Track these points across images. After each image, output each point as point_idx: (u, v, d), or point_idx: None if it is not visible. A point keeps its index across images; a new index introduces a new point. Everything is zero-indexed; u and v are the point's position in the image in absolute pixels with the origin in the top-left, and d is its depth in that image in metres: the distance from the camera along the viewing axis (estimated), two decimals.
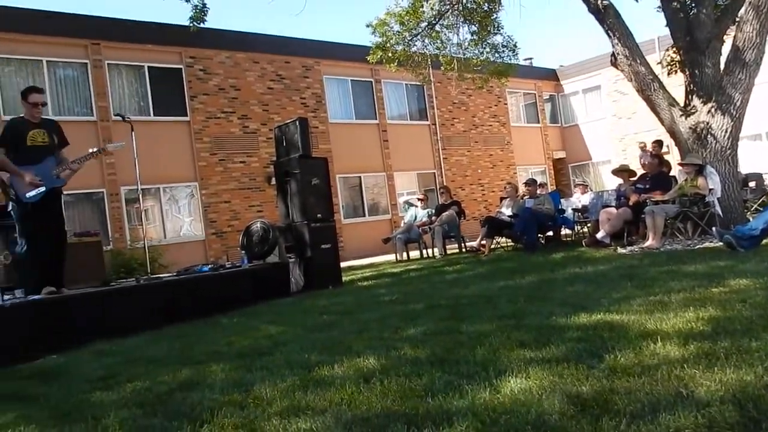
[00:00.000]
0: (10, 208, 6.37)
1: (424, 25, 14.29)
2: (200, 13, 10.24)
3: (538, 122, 25.84)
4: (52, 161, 6.14)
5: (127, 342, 5.13)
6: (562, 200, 12.38)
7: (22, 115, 6.30)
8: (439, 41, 14.81)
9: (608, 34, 9.63)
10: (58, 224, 6.35)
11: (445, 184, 19.85)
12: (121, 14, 22.76)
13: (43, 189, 5.98)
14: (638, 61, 9.45)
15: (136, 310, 5.93)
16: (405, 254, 12.69)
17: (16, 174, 5.94)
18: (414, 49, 14.82)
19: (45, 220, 6.14)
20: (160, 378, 3.44)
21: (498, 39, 14.74)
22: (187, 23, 11.64)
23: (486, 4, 13.74)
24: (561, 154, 26.33)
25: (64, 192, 6.63)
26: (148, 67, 15.91)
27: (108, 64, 15.29)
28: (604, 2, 9.46)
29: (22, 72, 14.26)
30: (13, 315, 5.02)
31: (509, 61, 15.24)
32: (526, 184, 11.41)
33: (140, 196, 8.09)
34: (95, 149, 6.45)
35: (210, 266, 7.83)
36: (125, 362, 4.12)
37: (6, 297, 5.69)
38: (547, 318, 3.96)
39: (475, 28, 14.39)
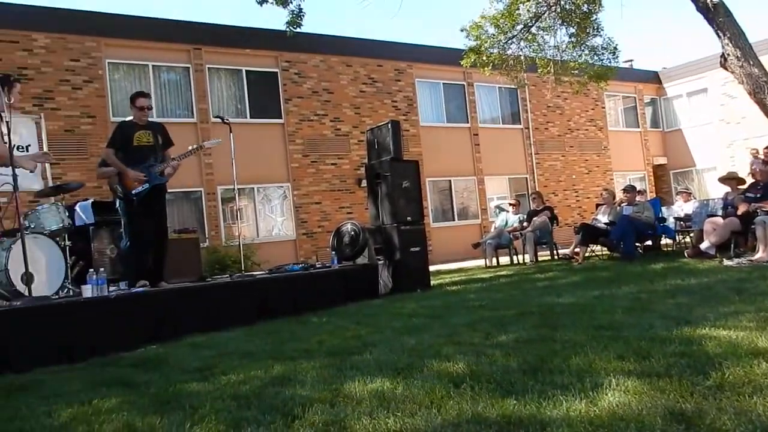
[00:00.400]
0: (117, 204, 6.78)
1: (519, 27, 14.05)
2: (297, 18, 10.50)
3: (638, 127, 24.85)
4: (155, 160, 6.50)
5: (221, 336, 5.29)
6: (662, 208, 11.82)
7: (130, 117, 6.71)
8: (535, 44, 14.52)
9: (717, 34, 9.12)
10: (161, 220, 6.69)
11: (537, 189, 19.42)
12: (221, 20, 23.69)
13: (147, 186, 6.36)
14: (751, 63, 8.90)
15: (230, 306, 6.10)
16: (495, 260, 12.49)
17: (124, 172, 6.32)
18: (509, 52, 14.60)
19: (149, 216, 6.51)
20: (253, 372, 3.51)
21: (597, 41, 14.31)
22: (283, 28, 11.99)
23: (585, 5, 13.34)
24: (662, 160, 25.21)
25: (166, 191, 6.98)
26: (246, 70, 16.45)
27: (208, 68, 15.93)
28: (713, 0, 8.97)
29: (130, 76, 15.07)
30: (117, 306, 5.27)
31: (609, 64, 14.73)
32: (625, 190, 10.97)
33: (236, 195, 8.34)
34: (194, 146, 6.78)
35: (301, 265, 7.97)
36: (220, 355, 4.24)
37: (112, 288, 6.01)
38: (646, 330, 3.77)
39: (574, 30, 14.00)
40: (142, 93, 6.75)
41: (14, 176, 5.22)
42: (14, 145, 5.32)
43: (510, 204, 13.59)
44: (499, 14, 14.06)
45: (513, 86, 17.78)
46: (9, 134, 5.45)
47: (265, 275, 7.31)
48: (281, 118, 16.69)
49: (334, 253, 8.17)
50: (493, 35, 14.35)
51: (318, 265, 8.06)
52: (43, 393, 3.44)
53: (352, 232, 8.29)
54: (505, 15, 13.97)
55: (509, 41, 14.50)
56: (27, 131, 8.35)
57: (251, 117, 16.26)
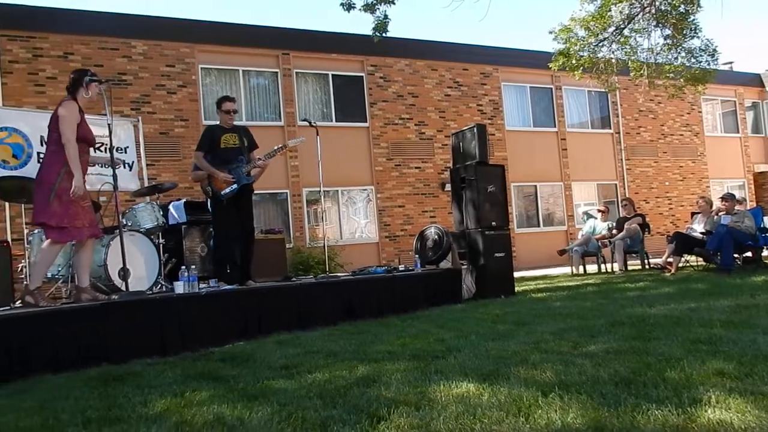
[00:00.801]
0: (209, 204, 7.03)
1: (611, 30, 13.60)
2: (383, 23, 10.56)
3: (738, 132, 23.54)
4: (242, 161, 6.68)
5: (306, 335, 5.37)
6: (764, 218, 11.13)
7: (217, 122, 6.95)
8: (627, 46, 14.01)
9: None
10: (248, 220, 6.87)
11: (627, 195, 18.74)
12: (309, 26, 24.22)
13: (235, 186, 6.55)
14: None
15: (314, 306, 6.19)
16: (581, 268, 12.13)
17: (213, 173, 6.54)
18: (600, 55, 14.16)
19: (237, 216, 6.70)
20: (338, 372, 3.53)
21: (695, 42, 13.63)
22: (369, 33, 12.09)
23: (682, 6, 12.75)
24: (764, 167, 23.77)
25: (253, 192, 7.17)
26: (332, 75, 16.71)
27: (296, 72, 16.28)
28: None
29: (221, 81, 15.60)
30: (207, 302, 5.44)
31: (707, 67, 14.02)
32: (723, 198, 10.40)
33: (322, 198, 8.45)
34: (278, 146, 6.93)
35: (384, 268, 7.99)
36: (305, 353, 4.29)
37: (202, 286, 6.22)
38: (749, 346, 3.54)
39: (669, 32, 13.40)
40: (228, 97, 6.97)
41: (114, 176, 5.48)
42: (114, 147, 5.56)
43: (599, 210, 13.16)
44: (590, 16, 13.65)
45: (603, 90, 17.25)
46: (110, 136, 5.74)
47: (348, 277, 7.37)
48: (366, 121, 16.85)
49: (417, 256, 8.15)
50: (583, 38, 13.95)
51: (401, 269, 8.06)
52: (139, 384, 3.58)
53: (436, 236, 8.25)
54: (596, 17, 13.54)
55: (600, 44, 14.06)
56: (125, 133, 8.77)
57: (337, 120, 16.50)
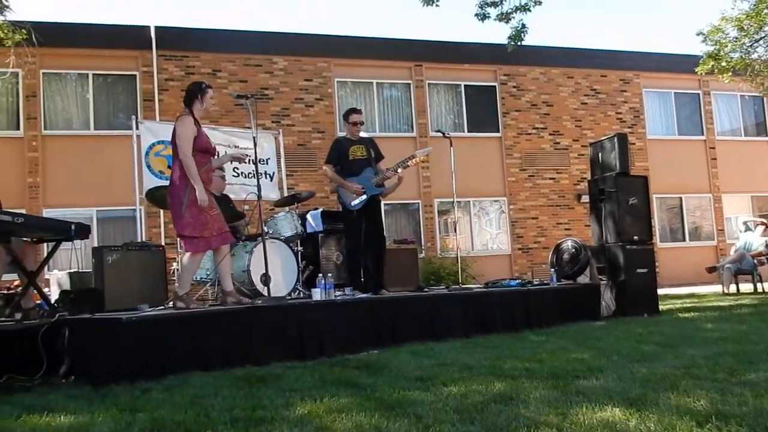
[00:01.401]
0: (343, 214, 7.20)
1: None
2: (519, 32, 10.37)
3: None
4: (370, 172, 6.78)
5: (439, 346, 5.33)
6: None
7: (344, 134, 7.10)
8: None
9: None
10: (379, 230, 6.96)
11: None
12: (441, 37, 24.36)
13: (364, 197, 6.65)
14: None
15: (447, 317, 6.14)
16: (734, 287, 11.21)
17: (343, 185, 6.68)
18: (754, 56, 13.10)
19: (367, 225, 6.81)
20: (474, 386, 3.46)
21: None
22: (503, 42, 11.91)
23: None
24: None
25: (385, 202, 7.26)
26: (464, 85, 16.66)
27: (428, 83, 16.39)
28: None
29: (355, 93, 16.03)
30: (343, 310, 5.55)
31: None
32: None
33: (455, 208, 8.39)
34: (408, 157, 6.94)
35: (518, 281, 7.81)
36: (439, 365, 4.25)
37: (338, 293, 6.36)
38: None
39: None
40: (354, 109, 7.10)
41: (258, 187, 5.75)
42: (259, 159, 5.82)
43: (761, 223, 12.01)
44: (744, 15, 12.67)
45: (758, 94, 15.93)
46: (255, 148, 6.04)
47: (481, 289, 7.27)
48: (499, 131, 16.65)
49: (553, 270, 7.89)
50: (736, 38, 12.96)
51: (535, 282, 7.83)
52: (280, 386, 3.71)
53: (573, 250, 7.96)
54: (751, 15, 12.55)
55: (755, 44, 13.01)
56: (267, 145, 9.21)
57: (469, 131, 16.42)
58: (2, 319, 5.37)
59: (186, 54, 14.46)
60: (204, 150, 5.32)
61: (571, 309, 7.20)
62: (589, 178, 8.71)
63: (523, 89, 16.91)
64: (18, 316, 5.35)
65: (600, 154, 8.43)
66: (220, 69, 14.62)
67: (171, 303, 5.41)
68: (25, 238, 5.76)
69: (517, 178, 16.57)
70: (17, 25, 9.21)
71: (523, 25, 10.35)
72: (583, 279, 7.87)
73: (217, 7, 40.63)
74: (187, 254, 5.22)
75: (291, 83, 15.13)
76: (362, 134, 7.06)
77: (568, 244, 8.16)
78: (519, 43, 10.60)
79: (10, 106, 13.65)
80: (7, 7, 8.46)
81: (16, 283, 7.05)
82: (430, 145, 15.16)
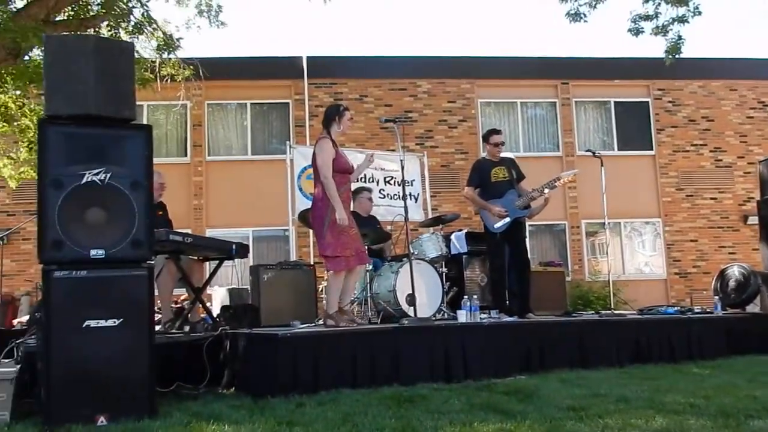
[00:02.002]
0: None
1: None
2: (676, 45, 9.79)
3: None
4: (513, 194, 6.66)
5: (590, 375, 5.11)
6: None
7: (484, 155, 7.04)
8: None
9: None
10: (522, 252, 6.82)
11: None
12: (588, 53, 23.52)
13: (508, 220, 6.54)
14: None
15: (598, 344, 5.87)
16: None
17: (486, 208, 6.60)
18: None
19: (511, 247, 6.69)
20: (632, 420, 3.26)
21: None
22: (655, 56, 11.31)
23: None
24: None
25: (529, 223, 7.10)
26: (614, 102, 15.99)
27: (575, 101, 15.91)
28: None
29: (498, 113, 15.89)
30: (489, 333, 5.47)
31: None
32: None
33: (607, 230, 8.03)
34: (553, 180, 6.72)
35: (676, 309, 7.31)
36: (593, 396, 4.06)
37: (483, 316, 6.29)
38: None
39: None
40: (495, 130, 6.99)
41: (405, 208, 5.86)
42: (408, 181, 5.92)
43: None
44: None
45: None
46: (402, 170, 6.15)
47: (635, 316, 6.87)
48: (652, 149, 15.77)
49: (717, 298, 7.30)
50: None
51: (696, 310, 7.29)
52: (428, 408, 3.71)
53: (741, 276, 7.33)
54: None
55: None
56: (412, 167, 9.36)
57: (618, 149, 15.70)
58: (173, 331, 5.84)
59: (335, 81, 15.09)
60: (343, 170, 5.46)
61: (738, 341, 6.62)
62: (758, 198, 8.01)
63: (680, 104, 15.92)
64: (186, 328, 5.81)
65: None
66: (366, 94, 15.10)
67: (321, 320, 5.60)
68: (192, 257, 6.25)
69: (673, 198, 15.57)
70: (186, 62, 10.08)
71: (680, 37, 9.76)
72: (754, 308, 7.22)
73: (362, 35, 42.15)
74: (334, 274, 5.39)
75: (435, 105, 15.30)
76: (503, 155, 6.97)
77: (734, 270, 7.53)
78: (678, 56, 9.99)
79: (179, 134, 14.94)
80: (180, 46, 9.31)
81: (182, 297, 7.67)
82: (578, 164, 14.69)
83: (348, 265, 5.39)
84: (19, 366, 4.15)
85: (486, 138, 6.97)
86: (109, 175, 3.72)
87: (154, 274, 3.99)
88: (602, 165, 7.38)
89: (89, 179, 3.68)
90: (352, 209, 7.07)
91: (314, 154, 5.45)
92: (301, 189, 8.54)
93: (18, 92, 8.87)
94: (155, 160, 3.98)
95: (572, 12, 10.05)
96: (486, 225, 6.73)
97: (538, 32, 41.79)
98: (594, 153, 7.57)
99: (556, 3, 10.27)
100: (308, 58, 14.79)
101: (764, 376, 4.93)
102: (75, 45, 3.84)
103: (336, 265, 5.30)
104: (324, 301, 7.00)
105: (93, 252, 3.66)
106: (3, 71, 7.94)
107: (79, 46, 3.81)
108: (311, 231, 10.93)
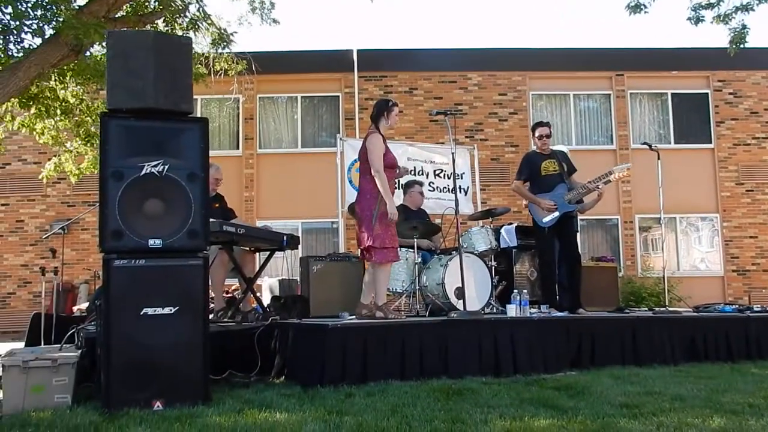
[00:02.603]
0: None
1: None
2: (741, 34, 9.40)
3: None
4: (563, 188, 6.56)
5: (643, 372, 5.01)
6: None
7: (533, 148, 6.96)
8: None
9: None
10: (573, 247, 6.74)
11: None
12: (645, 44, 22.90)
13: (557, 214, 6.46)
14: None
15: (651, 341, 5.74)
16: None
17: (535, 202, 6.53)
18: None
19: (561, 242, 6.61)
20: (688, 419, 3.19)
21: None
22: (719, 46, 10.92)
23: None
24: None
25: (580, 218, 6.98)
26: (671, 93, 15.56)
27: (630, 93, 15.54)
28: None
29: (551, 106, 15.64)
30: (539, 327, 5.41)
31: None
32: None
33: (663, 225, 7.83)
34: (606, 175, 6.56)
35: (734, 307, 7.09)
36: (646, 393, 3.98)
37: (533, 310, 6.23)
38: None
39: None
40: (541, 123, 6.90)
41: (456, 201, 5.84)
42: (458, 174, 5.90)
43: None
44: None
45: None
46: (453, 164, 6.13)
47: (691, 313, 6.70)
48: (711, 142, 15.29)
49: None
50: None
51: (756, 308, 7.05)
52: (477, 401, 3.70)
53: None
54: None
55: None
56: (462, 160, 9.30)
57: (675, 142, 15.28)
58: (225, 320, 5.97)
59: (384, 74, 15.10)
60: (391, 166, 5.52)
61: None
62: None
63: (741, 96, 15.37)
64: (238, 318, 5.93)
65: None
66: (416, 87, 15.07)
67: (370, 313, 5.61)
68: (244, 248, 6.36)
69: (732, 193, 15.07)
70: (239, 56, 10.23)
71: (744, 26, 9.37)
72: None
73: (412, 28, 42.04)
74: (380, 265, 5.40)
75: (485, 98, 15.16)
76: (555, 147, 6.87)
77: None
78: (742, 46, 9.61)
79: (232, 128, 15.21)
80: (233, 41, 9.44)
81: (234, 287, 7.81)
82: (633, 157, 14.37)
83: (396, 258, 5.44)
84: (80, 351, 4.33)
85: (533, 130, 6.92)
86: (167, 167, 3.83)
87: (209, 263, 4.07)
88: (659, 158, 7.19)
89: (148, 171, 3.79)
90: (402, 202, 7.09)
91: (364, 148, 5.49)
92: (350, 181, 8.59)
93: (79, 88, 9.15)
94: None
95: (632, 4, 9.76)
96: (535, 219, 6.66)
97: (591, 23, 40.93)
98: (650, 146, 7.39)
99: None
100: (359, 51, 14.83)
101: None
102: (135, 40, 3.95)
103: (385, 257, 5.34)
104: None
105: (151, 242, 3.78)
106: (65, 67, 8.19)
107: (139, 41, 3.93)
108: None
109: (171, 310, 3.75)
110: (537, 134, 6.79)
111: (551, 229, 6.57)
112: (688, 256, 15.15)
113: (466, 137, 14.38)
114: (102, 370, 3.71)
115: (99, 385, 3.81)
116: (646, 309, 8.46)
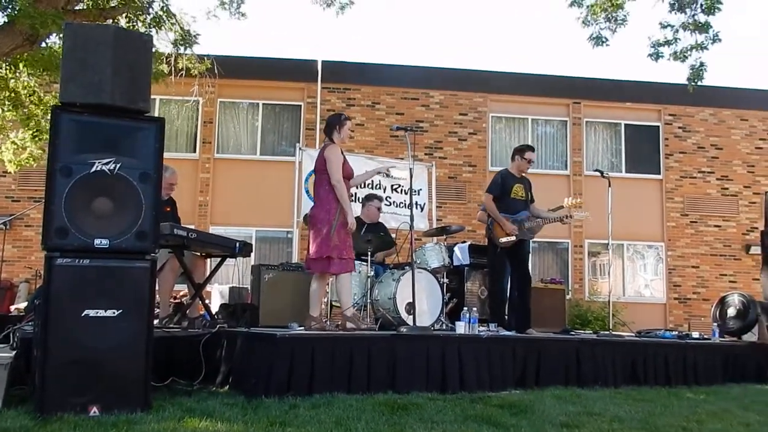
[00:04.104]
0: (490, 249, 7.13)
1: None
2: (698, 71, 9.78)
3: None
4: (524, 215, 6.70)
5: (585, 393, 5.10)
6: None
7: (508, 168, 7.03)
8: None
9: None
10: (524, 267, 6.85)
11: None
12: (601, 75, 23.57)
13: (513, 239, 6.55)
14: None
15: (594, 364, 5.85)
16: None
17: (500, 222, 6.61)
18: None
19: (513, 263, 6.72)
20: None
21: None
22: (672, 81, 11.33)
23: None
24: None
25: (533, 240, 7.12)
26: (624, 124, 16.01)
27: (586, 121, 15.93)
28: None
29: (509, 129, 15.91)
30: (488, 346, 5.45)
31: None
32: None
33: (610, 251, 8.03)
34: (563, 215, 6.76)
35: (674, 333, 7.29)
36: (586, 414, 4.06)
37: (481, 329, 6.28)
38: None
39: None
40: (531, 147, 7.03)
41: (411, 216, 5.87)
42: (415, 189, 5.94)
43: None
44: None
45: None
46: (411, 179, 6.16)
47: (633, 338, 6.86)
48: (659, 173, 15.77)
49: (716, 325, 7.30)
50: None
51: (695, 336, 7.26)
52: (421, 416, 3.71)
53: (740, 305, 7.32)
54: None
55: None
56: (420, 177, 9.38)
57: (626, 171, 15.71)
58: (171, 326, 5.85)
59: (348, 87, 15.14)
60: (348, 177, 5.55)
61: (734, 368, 6.61)
62: (762, 228, 8.01)
63: (690, 130, 15.93)
64: (184, 324, 5.82)
65: None
66: (379, 101, 15.15)
67: (341, 325, 5.57)
68: (195, 252, 6.26)
69: (677, 224, 15.56)
70: (203, 58, 10.13)
71: (702, 64, 9.74)
72: (751, 337, 7.20)
73: (377, 42, 42.31)
74: (340, 276, 5.40)
75: (446, 117, 15.33)
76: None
77: (734, 298, 7.52)
78: (699, 83, 9.98)
79: (190, 130, 15.00)
80: (197, 42, 9.36)
81: (182, 293, 7.68)
82: (585, 183, 14.73)
83: (352, 268, 5.47)
84: (14, 352, 4.17)
85: (521, 152, 6.91)
86: (118, 166, 3.74)
87: (156, 267, 3.99)
88: (609, 186, 7.38)
89: (98, 168, 3.70)
90: (357, 215, 7.08)
91: (321, 158, 5.49)
92: (307, 192, 8.56)
93: (31, 79, 8.92)
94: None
95: (594, 36, 10.07)
96: (491, 237, 6.73)
97: (552, 50, 41.88)
98: (602, 173, 7.57)
99: (574, 23, 10.28)
100: (323, 62, 14.86)
101: (758, 405, 4.93)
102: (94, 34, 3.86)
103: (344, 267, 5.35)
104: (323, 305, 7.04)
105: (97, 241, 3.68)
106: (18, 57, 7.98)
107: (99, 35, 3.83)
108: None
109: (114, 312, 3.66)
110: (526, 157, 6.85)
111: (506, 249, 6.67)
112: (634, 282, 15.55)
113: (426, 154, 14.49)
114: (37, 372, 3.57)
115: (33, 388, 3.67)
116: (591, 332, 8.63)
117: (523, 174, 6.92)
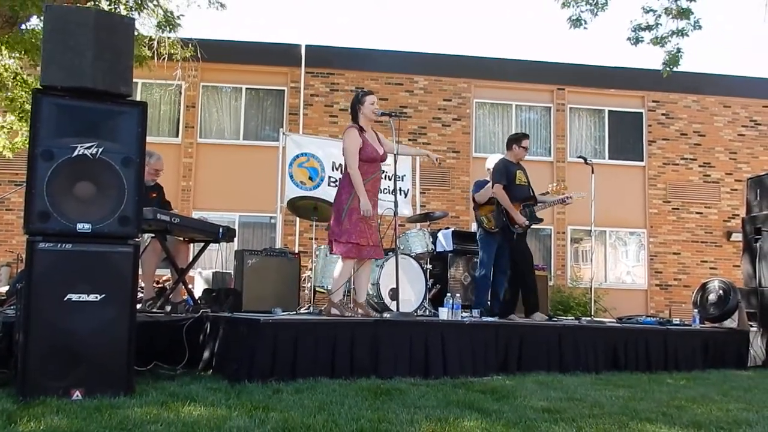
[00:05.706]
0: (478, 235, 7.16)
1: None
2: (675, 57, 9.84)
3: None
4: (532, 200, 6.75)
5: (566, 378, 5.16)
6: None
7: (501, 156, 7.08)
8: None
9: None
10: (527, 254, 6.88)
11: None
12: (586, 61, 23.65)
13: (526, 224, 6.62)
14: None
15: (576, 350, 5.91)
16: None
17: (511, 212, 6.62)
18: None
19: (517, 249, 6.77)
20: (606, 426, 3.31)
21: None
22: (656, 68, 11.38)
23: None
24: None
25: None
26: (608, 111, 16.09)
27: (570, 108, 15.98)
28: None
29: (493, 115, 15.93)
30: (471, 332, 5.48)
31: None
32: None
33: (593, 237, 8.10)
34: (565, 197, 6.82)
35: (655, 319, 7.38)
36: (568, 399, 4.10)
37: (464, 315, 6.32)
38: None
39: None
40: (526, 135, 7.08)
41: (395, 203, 5.86)
42: (398, 176, 5.94)
43: None
44: None
45: None
46: (395, 165, 6.15)
47: (614, 324, 6.94)
48: (642, 160, 15.89)
49: (696, 311, 7.39)
50: None
51: (675, 322, 7.37)
52: (404, 402, 3.73)
53: (721, 291, 7.41)
54: None
55: None
56: (404, 163, 9.37)
57: (609, 158, 15.82)
58: (154, 310, 5.83)
59: (332, 71, 15.06)
60: (370, 159, 5.48)
61: (714, 354, 6.70)
62: (744, 215, 8.11)
63: (673, 117, 16.04)
64: (167, 309, 5.80)
65: (758, 190, 7.83)
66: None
67: (325, 310, 5.60)
68: (178, 237, 6.22)
69: (659, 210, 15.71)
70: (185, 42, 10.02)
71: (679, 50, 9.81)
72: (731, 323, 7.31)
73: (361, 27, 42.06)
74: (339, 260, 5.41)
75: (430, 102, 15.31)
76: (495, 156, 7.04)
77: (715, 284, 7.61)
78: (674, 69, 10.05)
79: (172, 115, 14.87)
80: (179, 25, 9.25)
81: (165, 278, 7.64)
82: (568, 170, 14.80)
83: (361, 254, 5.42)
84: None
85: (518, 141, 6.95)
86: (101, 150, 3.71)
87: (139, 251, 3.96)
88: (593, 173, 7.42)
89: (80, 152, 3.66)
90: None
91: (342, 143, 5.51)
92: (291, 177, 8.53)
93: (12, 62, 8.78)
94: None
95: (574, 18, 10.07)
96: (503, 223, 6.71)
97: (537, 36, 41.90)
98: (585, 160, 7.61)
99: (557, 8, 10.29)
100: (307, 46, 14.75)
101: (737, 391, 5.00)
102: (75, 17, 3.80)
103: (347, 252, 5.33)
104: (306, 290, 7.04)
105: (80, 225, 3.65)
106: None
107: (80, 18, 3.78)
108: (298, 220, 11.01)
109: (97, 297, 3.64)
110: (523, 145, 6.90)
111: (503, 237, 6.70)
112: (615, 269, 15.71)
113: (410, 140, 14.48)
114: (19, 356, 3.55)
115: (15, 371, 3.65)
116: (573, 318, 8.71)
117: (520, 161, 6.97)
